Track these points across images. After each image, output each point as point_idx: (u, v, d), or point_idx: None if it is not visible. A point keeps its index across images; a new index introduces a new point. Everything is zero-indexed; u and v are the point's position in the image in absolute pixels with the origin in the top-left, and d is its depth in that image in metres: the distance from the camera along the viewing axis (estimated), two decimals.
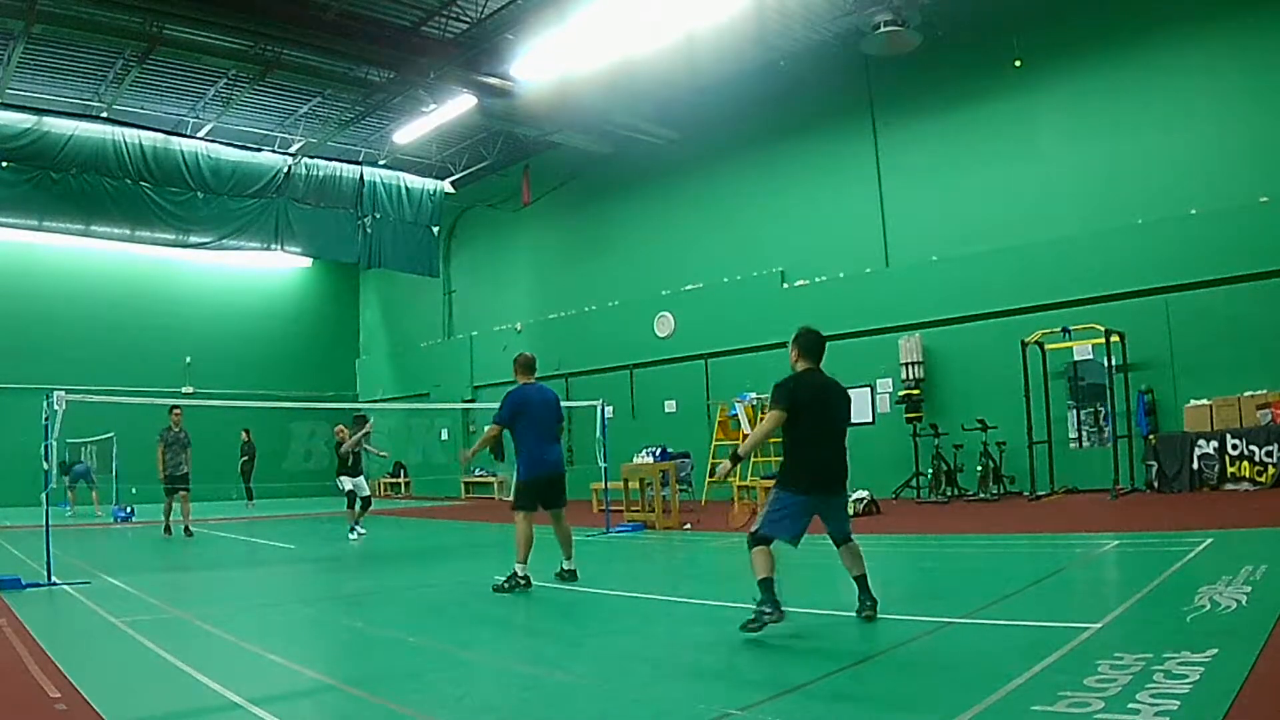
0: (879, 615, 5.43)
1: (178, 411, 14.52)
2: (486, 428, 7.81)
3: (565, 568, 7.76)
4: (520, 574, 7.25)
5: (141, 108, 19.36)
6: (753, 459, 16.47)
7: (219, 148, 20.36)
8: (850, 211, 16.89)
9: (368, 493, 13.40)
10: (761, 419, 16.65)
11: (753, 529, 5.54)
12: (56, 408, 8.11)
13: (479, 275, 25.52)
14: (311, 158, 21.56)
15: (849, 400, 5.88)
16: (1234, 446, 11.73)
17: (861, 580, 5.50)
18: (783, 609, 5.11)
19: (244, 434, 22.95)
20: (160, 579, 9.09)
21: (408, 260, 23.57)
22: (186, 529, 14.08)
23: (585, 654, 5.11)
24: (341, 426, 13.89)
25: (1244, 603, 5.05)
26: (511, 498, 7.70)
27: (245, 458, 22.99)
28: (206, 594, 8.14)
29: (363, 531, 13.02)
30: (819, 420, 5.51)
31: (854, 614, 5.48)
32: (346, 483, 13.24)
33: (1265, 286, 12.28)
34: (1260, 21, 12.70)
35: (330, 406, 24.61)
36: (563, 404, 8.23)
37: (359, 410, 27.04)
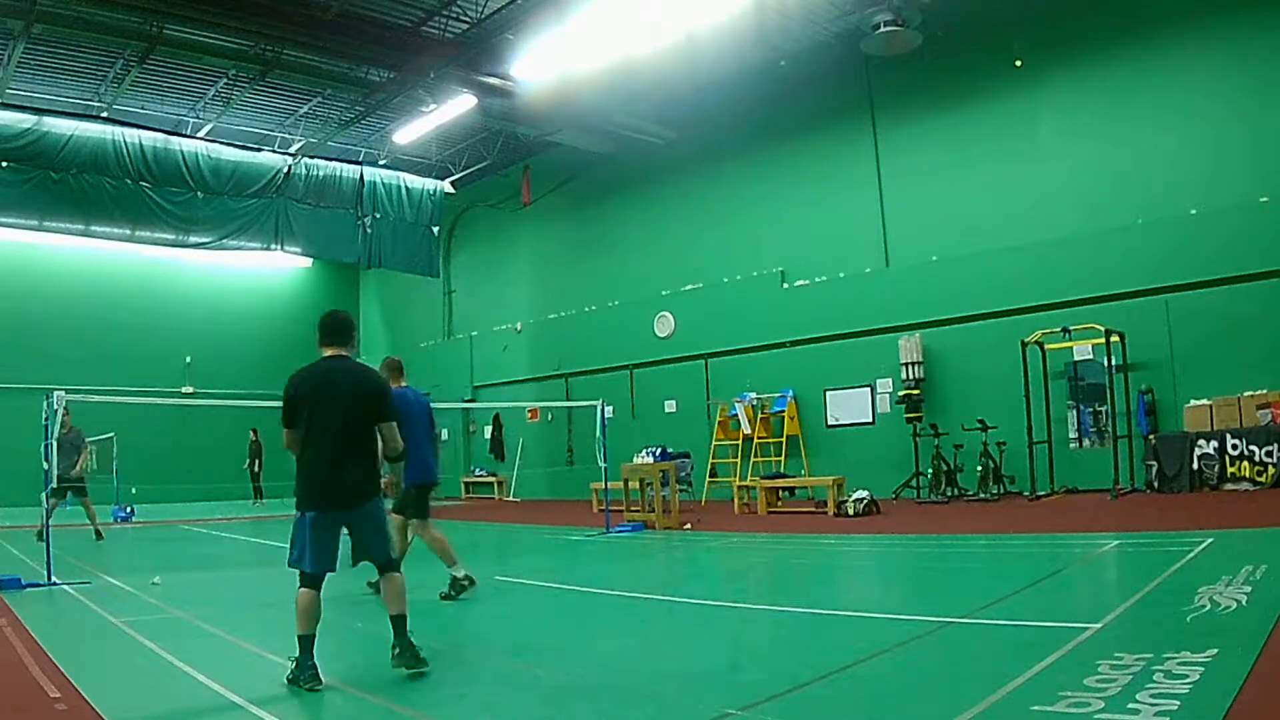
0: (879, 615, 5.42)
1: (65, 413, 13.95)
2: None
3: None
4: (461, 576, 6.96)
5: (141, 108, 19.36)
6: (752, 459, 16.52)
7: (219, 148, 20.36)
8: (850, 211, 16.88)
9: None
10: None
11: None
12: (56, 408, 8.11)
13: (479, 275, 25.52)
14: (311, 158, 21.56)
15: (367, 388, 4.74)
16: (1234, 446, 11.73)
17: (398, 622, 4.60)
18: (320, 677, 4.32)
19: (252, 433, 22.98)
20: (160, 579, 9.08)
21: (408, 260, 23.57)
22: (97, 533, 13.21)
23: (585, 654, 5.11)
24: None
25: (1244, 603, 5.04)
26: (400, 508, 7.09)
27: (252, 458, 23.02)
28: (207, 594, 8.13)
29: None
30: (320, 419, 4.58)
31: (855, 614, 5.47)
32: None
33: (1265, 286, 12.29)
34: (1260, 21, 12.70)
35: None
36: (564, 404, 8.21)
37: None
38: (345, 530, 4.67)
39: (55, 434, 13.41)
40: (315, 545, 4.53)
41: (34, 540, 12.74)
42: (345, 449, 4.59)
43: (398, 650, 4.53)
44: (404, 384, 7.36)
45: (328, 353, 4.78)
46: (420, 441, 6.99)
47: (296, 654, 4.36)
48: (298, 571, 4.58)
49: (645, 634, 5.66)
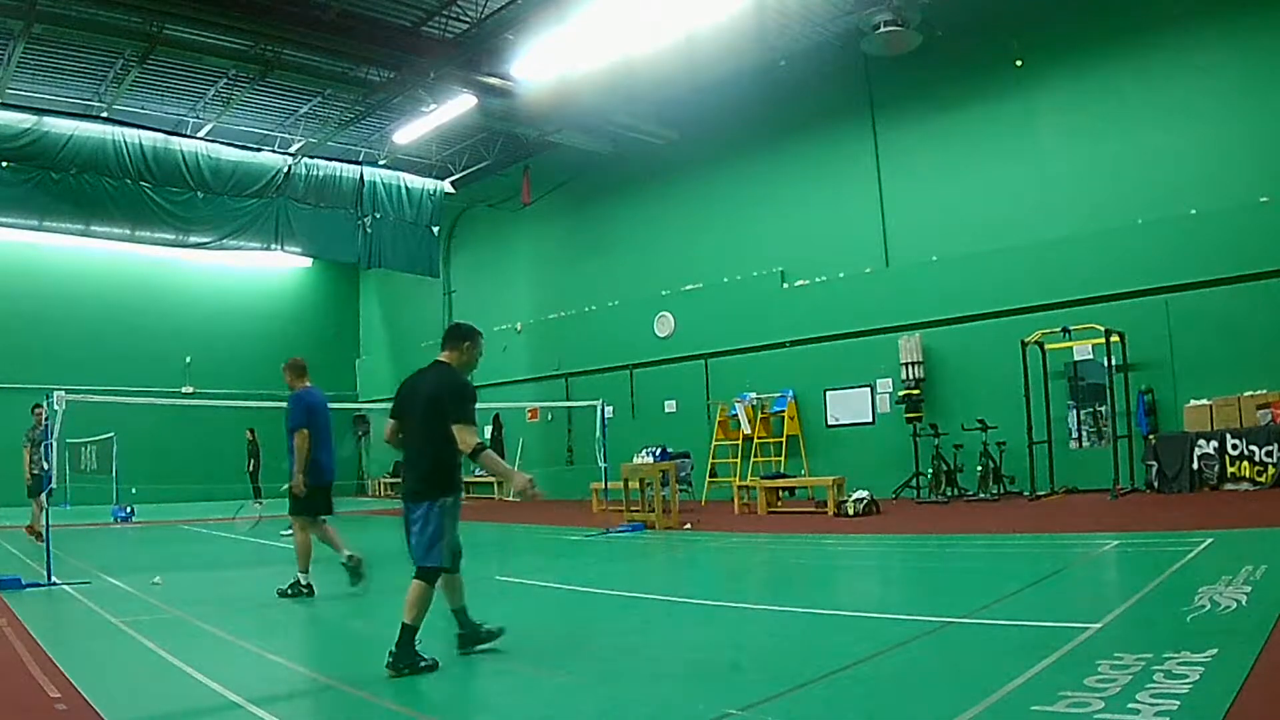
0: (879, 615, 5.42)
1: (40, 410, 13.85)
2: (296, 440, 7.42)
3: (346, 556, 7.59)
4: (305, 582, 7.29)
5: (141, 108, 19.36)
6: (752, 459, 16.52)
7: (219, 148, 20.36)
8: (850, 211, 16.88)
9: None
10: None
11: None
12: (56, 408, 8.12)
13: (479, 275, 25.52)
14: (311, 158, 21.56)
15: (423, 394, 5.01)
16: (1234, 446, 11.73)
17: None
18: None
19: (249, 433, 22.99)
20: (161, 579, 9.08)
21: (408, 260, 23.57)
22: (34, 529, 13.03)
23: (585, 654, 5.11)
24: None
25: (1244, 603, 5.04)
26: (296, 510, 7.56)
27: (250, 458, 23.01)
28: (207, 594, 8.13)
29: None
30: (400, 422, 5.11)
31: (855, 614, 5.48)
32: None
33: (1265, 286, 12.28)
34: (1260, 22, 12.69)
35: (331, 407, 24.62)
36: (564, 404, 8.29)
37: (359, 410, 27.17)
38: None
39: (26, 435, 13.44)
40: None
41: (28, 539, 12.84)
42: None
43: (390, 661, 4.49)
44: (307, 384, 7.73)
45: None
46: (322, 442, 7.46)
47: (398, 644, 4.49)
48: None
49: (645, 634, 5.66)
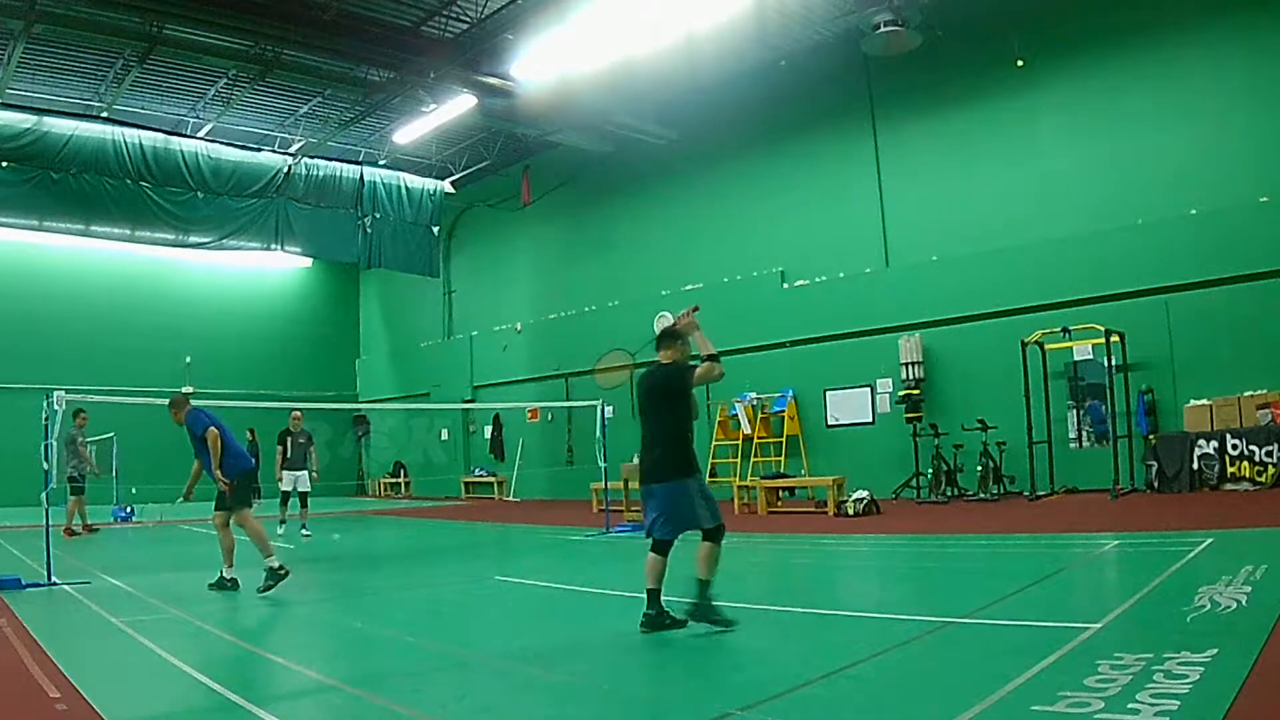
0: (879, 615, 5.42)
1: (84, 416, 14.46)
2: (208, 439, 7.64)
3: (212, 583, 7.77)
4: (230, 575, 7.64)
5: (141, 108, 19.36)
6: (752, 459, 16.52)
7: (219, 148, 20.36)
8: (850, 211, 16.88)
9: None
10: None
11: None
12: (56, 408, 8.11)
13: (479, 275, 25.52)
14: (311, 158, 21.56)
15: (653, 387, 5.74)
16: (1234, 446, 11.73)
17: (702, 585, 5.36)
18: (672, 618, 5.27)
19: (249, 434, 22.99)
20: (160, 579, 9.09)
21: (408, 260, 23.58)
22: (69, 530, 14.15)
23: (585, 654, 5.11)
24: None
25: (1244, 603, 5.04)
26: (225, 499, 7.76)
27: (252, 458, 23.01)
28: (206, 594, 8.12)
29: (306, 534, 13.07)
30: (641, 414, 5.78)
31: (855, 614, 5.47)
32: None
33: (1265, 286, 12.28)
34: (1261, 21, 12.70)
35: (331, 406, 24.64)
36: (564, 404, 8.36)
37: (359, 410, 27.17)
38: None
39: (72, 437, 14.01)
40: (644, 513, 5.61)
41: (63, 538, 13.47)
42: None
43: (694, 609, 5.24)
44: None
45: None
46: (230, 438, 7.83)
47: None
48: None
49: (645, 634, 5.65)
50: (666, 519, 5.37)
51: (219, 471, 7.54)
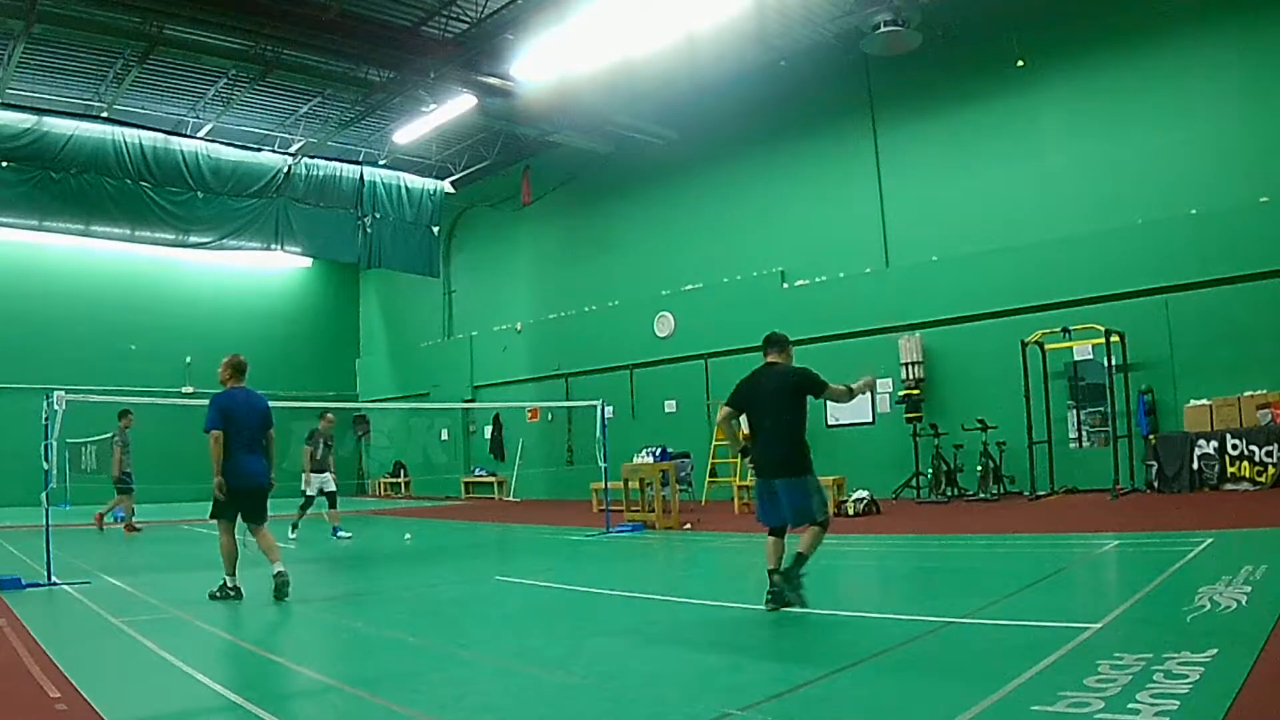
0: (879, 615, 5.42)
1: (131, 417, 14.81)
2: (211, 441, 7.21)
3: (279, 570, 7.14)
4: (231, 584, 7.11)
5: (141, 108, 19.36)
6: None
7: (219, 148, 20.35)
8: (850, 211, 16.88)
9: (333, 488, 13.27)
10: None
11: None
12: (56, 408, 8.10)
13: (479, 275, 25.52)
14: (311, 158, 21.55)
15: (781, 387, 6.08)
16: (1234, 446, 11.73)
17: (799, 558, 5.85)
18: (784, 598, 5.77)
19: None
20: (160, 579, 9.09)
21: (408, 260, 23.57)
22: (102, 523, 14.86)
23: (585, 654, 5.11)
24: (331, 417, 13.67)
25: (1244, 603, 5.05)
26: (212, 506, 7.29)
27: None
28: (206, 594, 8.12)
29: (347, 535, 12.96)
30: (749, 411, 6.18)
31: (855, 614, 5.47)
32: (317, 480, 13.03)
33: (1265, 286, 12.29)
34: (1261, 22, 12.70)
35: (330, 406, 24.62)
36: (564, 404, 8.21)
37: (359, 410, 27.16)
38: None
39: (119, 436, 14.53)
40: (758, 502, 6.15)
41: (124, 534, 14.22)
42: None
43: (785, 582, 5.75)
44: (240, 384, 7.56)
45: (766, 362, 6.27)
46: (232, 446, 7.15)
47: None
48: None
49: (645, 634, 5.66)
50: (783, 508, 5.92)
51: (219, 478, 7.11)
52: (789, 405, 5.97)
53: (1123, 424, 13.09)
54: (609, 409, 13.58)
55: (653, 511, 12.71)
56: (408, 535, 10.68)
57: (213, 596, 7.08)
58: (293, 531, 12.76)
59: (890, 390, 15.75)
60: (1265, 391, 11.92)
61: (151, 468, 22.27)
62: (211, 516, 7.27)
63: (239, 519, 7.27)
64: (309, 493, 13.09)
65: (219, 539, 7.21)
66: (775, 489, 5.92)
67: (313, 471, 13.07)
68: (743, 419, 6.26)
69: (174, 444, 23.92)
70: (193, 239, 20.60)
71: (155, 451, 22.85)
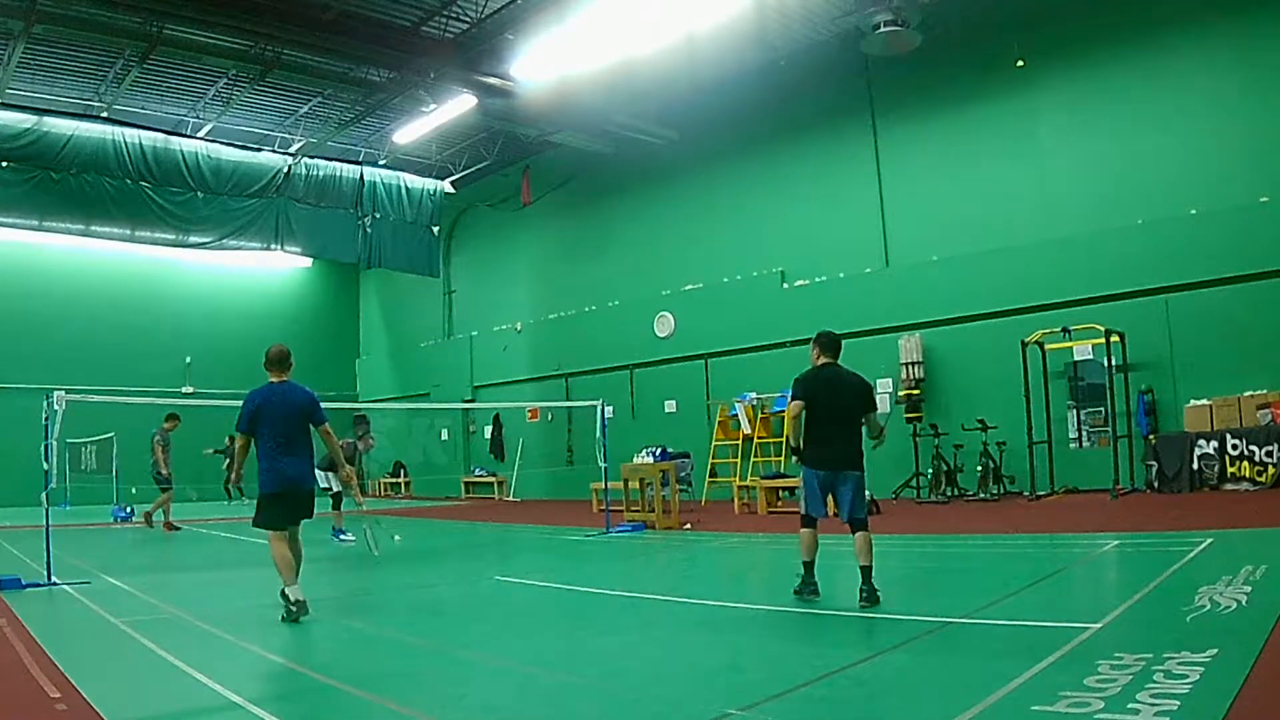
0: (879, 615, 5.43)
1: (177, 421, 15.10)
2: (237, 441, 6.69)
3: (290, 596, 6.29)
4: (294, 597, 6.19)
5: (141, 108, 19.36)
6: (752, 459, 16.52)
7: (219, 148, 20.35)
8: (850, 211, 16.88)
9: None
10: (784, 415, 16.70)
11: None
12: (56, 408, 8.10)
13: (479, 275, 25.52)
14: (311, 158, 21.55)
15: (863, 391, 6.49)
16: (1234, 446, 11.73)
17: (865, 571, 6.01)
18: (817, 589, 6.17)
19: (227, 440, 23.01)
20: (160, 579, 9.09)
21: (408, 260, 23.57)
22: (147, 518, 15.09)
23: (585, 654, 5.11)
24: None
25: (1244, 603, 5.05)
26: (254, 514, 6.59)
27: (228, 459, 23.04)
28: (206, 594, 8.13)
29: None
30: (823, 407, 6.36)
31: (855, 614, 5.48)
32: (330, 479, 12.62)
33: (1265, 286, 12.28)
34: (1260, 22, 12.69)
35: (331, 406, 24.60)
36: (564, 404, 8.11)
37: (359, 410, 27.14)
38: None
39: (159, 435, 14.63)
40: (812, 496, 6.37)
41: (162, 531, 14.46)
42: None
43: (864, 594, 5.87)
44: (281, 378, 6.66)
45: (822, 361, 6.51)
46: (266, 446, 6.42)
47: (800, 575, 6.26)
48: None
49: (645, 634, 5.66)
50: (844, 499, 6.30)
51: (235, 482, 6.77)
52: (863, 407, 6.45)
53: (1123, 424, 13.09)
54: (609, 409, 13.58)
55: (653, 511, 12.70)
56: (396, 536, 10.65)
57: (283, 619, 6.18)
58: (345, 535, 12.64)
59: (890, 390, 15.75)
60: (1265, 391, 11.92)
61: (150, 467, 22.32)
62: (256, 525, 6.57)
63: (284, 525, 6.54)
64: (334, 489, 12.90)
65: (270, 548, 6.43)
66: (845, 481, 6.26)
67: (318, 469, 12.90)
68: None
69: (174, 444, 23.97)
70: (193, 239, 20.60)
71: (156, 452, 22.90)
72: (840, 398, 6.34)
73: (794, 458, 6.56)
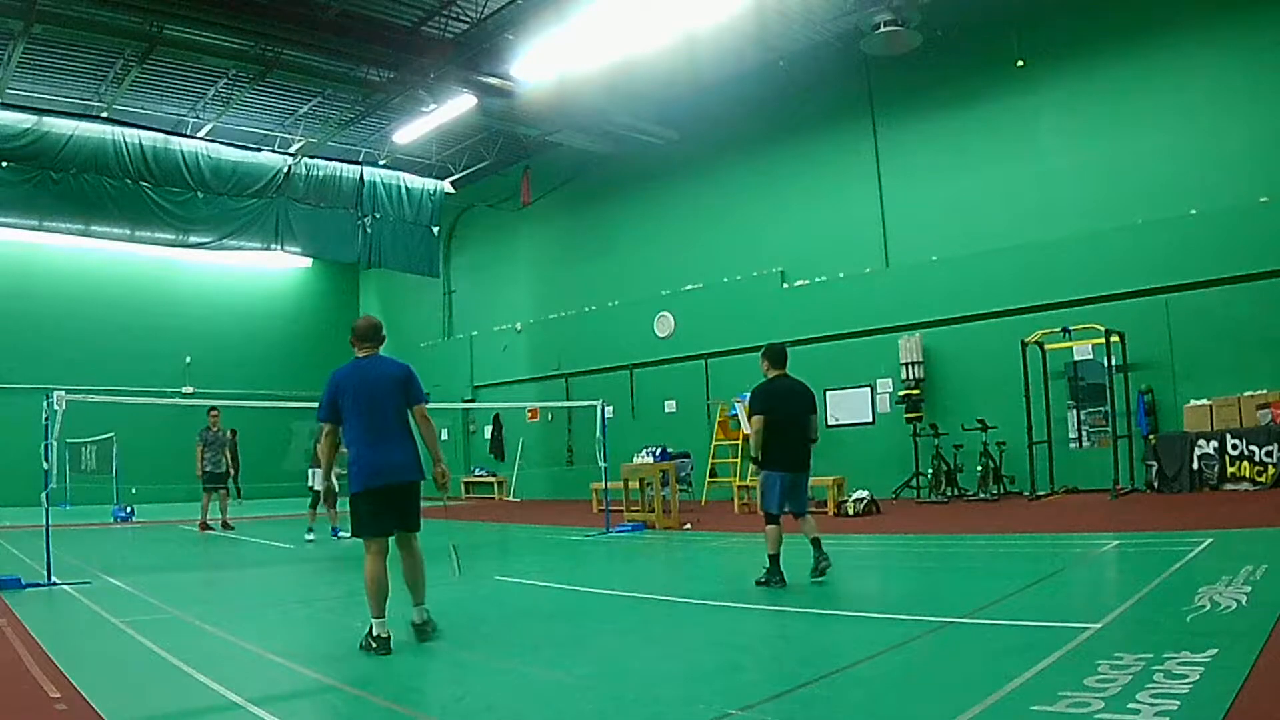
0: (879, 615, 5.42)
1: (215, 413, 15.05)
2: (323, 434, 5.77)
3: (417, 619, 5.41)
4: (375, 633, 5.05)
5: (141, 108, 19.36)
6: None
7: (219, 148, 20.35)
8: (850, 211, 16.88)
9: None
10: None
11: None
12: (56, 408, 8.10)
13: (479, 275, 25.52)
14: (311, 158, 21.55)
15: (810, 400, 7.27)
16: (1234, 446, 11.73)
17: (815, 543, 7.00)
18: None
19: (230, 434, 23.01)
20: (160, 579, 9.09)
21: (408, 260, 23.57)
22: (224, 523, 14.79)
23: (585, 654, 5.11)
24: None
25: (1244, 603, 5.05)
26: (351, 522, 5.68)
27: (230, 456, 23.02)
28: (206, 594, 8.13)
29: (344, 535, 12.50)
30: (782, 417, 7.10)
31: (855, 614, 5.47)
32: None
33: (1265, 286, 12.28)
34: (1260, 22, 12.69)
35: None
36: (564, 404, 8.10)
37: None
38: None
39: (199, 434, 14.60)
40: (777, 495, 7.05)
41: (198, 532, 14.41)
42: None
43: (823, 559, 6.87)
44: (371, 351, 5.64)
45: (774, 374, 7.23)
46: (357, 433, 5.35)
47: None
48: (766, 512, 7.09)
49: (645, 634, 5.66)
50: (786, 496, 7.01)
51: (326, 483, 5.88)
52: (810, 413, 7.17)
53: (1123, 424, 13.09)
54: (609, 409, 13.58)
55: (653, 511, 12.71)
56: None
57: (361, 648, 5.09)
58: (309, 534, 12.63)
59: (890, 390, 15.75)
60: (1265, 391, 11.92)
61: (151, 467, 22.36)
62: (353, 536, 5.72)
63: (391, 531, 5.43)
64: (316, 487, 12.89)
65: (364, 565, 5.29)
66: (802, 479, 7.07)
67: (318, 467, 12.85)
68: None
69: (173, 444, 23.99)
70: (193, 239, 20.61)
71: (154, 451, 22.93)
72: (794, 407, 7.08)
73: (753, 464, 7.28)
